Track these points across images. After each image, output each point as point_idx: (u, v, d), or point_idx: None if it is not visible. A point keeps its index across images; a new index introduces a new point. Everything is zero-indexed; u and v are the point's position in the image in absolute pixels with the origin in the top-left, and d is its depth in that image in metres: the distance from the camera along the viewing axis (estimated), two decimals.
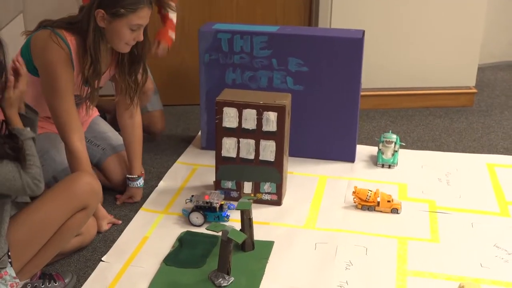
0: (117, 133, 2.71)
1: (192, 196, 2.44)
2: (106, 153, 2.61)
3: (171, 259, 2.18)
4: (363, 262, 2.19)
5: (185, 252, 2.22)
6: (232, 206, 2.45)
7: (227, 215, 2.40)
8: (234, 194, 2.56)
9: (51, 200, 1.92)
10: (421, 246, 2.29)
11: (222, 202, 2.41)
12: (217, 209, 2.37)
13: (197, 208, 2.37)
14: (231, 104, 2.45)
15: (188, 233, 2.34)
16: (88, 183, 2.01)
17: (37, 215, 1.90)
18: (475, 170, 2.90)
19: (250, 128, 2.46)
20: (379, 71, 3.61)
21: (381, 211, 2.51)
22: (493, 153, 3.09)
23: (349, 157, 2.95)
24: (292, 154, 2.82)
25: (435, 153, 3.09)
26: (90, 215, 2.09)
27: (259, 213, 2.46)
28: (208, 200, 2.36)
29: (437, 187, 2.73)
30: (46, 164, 2.38)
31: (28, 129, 1.83)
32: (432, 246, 2.30)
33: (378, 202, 2.50)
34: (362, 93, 2.96)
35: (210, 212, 2.37)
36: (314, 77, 2.84)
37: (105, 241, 2.32)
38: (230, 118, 2.46)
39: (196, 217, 2.37)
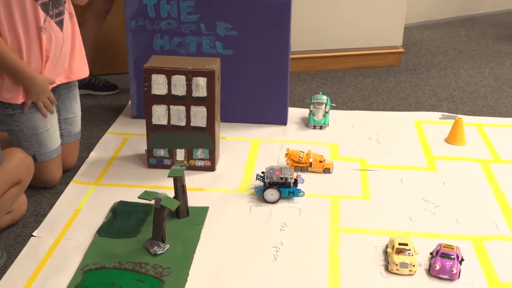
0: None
1: (262, 173, 2.38)
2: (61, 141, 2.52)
3: (104, 230, 2.15)
4: (297, 222, 2.22)
5: (119, 222, 2.19)
6: (302, 180, 2.42)
7: (301, 190, 2.34)
8: (167, 161, 2.54)
9: None
10: (353, 203, 2.34)
11: (296, 177, 2.35)
12: (291, 184, 2.32)
13: (270, 185, 2.31)
14: (159, 71, 2.41)
15: (121, 203, 2.31)
16: (21, 158, 2.04)
17: None
18: (403, 128, 2.97)
19: (180, 95, 2.44)
20: (308, 34, 3.62)
21: (313, 172, 2.54)
22: (420, 111, 3.18)
23: (281, 120, 2.97)
24: (224, 119, 2.82)
25: (365, 113, 3.14)
26: (23, 190, 2.10)
27: (193, 180, 2.46)
28: (282, 176, 2.30)
29: (367, 146, 2.79)
30: (31, 143, 2.35)
31: None
32: (363, 203, 2.35)
33: (311, 163, 2.54)
34: (292, 56, 2.98)
35: (284, 187, 2.31)
36: (243, 41, 2.82)
37: (35, 215, 2.26)
38: (159, 85, 2.42)
39: (271, 194, 2.31)
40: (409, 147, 2.78)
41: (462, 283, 1.94)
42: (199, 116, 2.46)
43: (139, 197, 2.04)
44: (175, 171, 2.19)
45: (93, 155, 2.68)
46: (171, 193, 2.20)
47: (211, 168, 2.54)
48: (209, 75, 2.39)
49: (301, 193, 2.33)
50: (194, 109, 2.45)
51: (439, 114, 3.13)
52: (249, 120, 2.96)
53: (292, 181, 2.32)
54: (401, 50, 3.82)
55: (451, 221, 2.24)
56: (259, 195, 2.35)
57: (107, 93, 3.34)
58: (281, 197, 2.32)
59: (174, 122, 2.48)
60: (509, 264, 2.02)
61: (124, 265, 1.98)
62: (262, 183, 2.40)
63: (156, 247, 2.04)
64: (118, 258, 2.01)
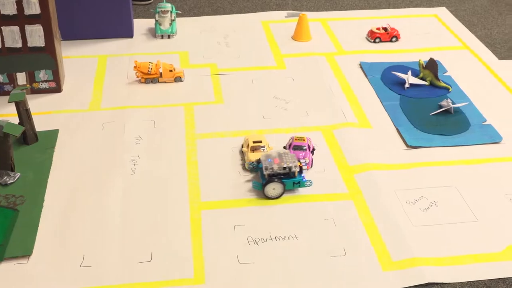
0: None
1: (257, 162, 1.97)
2: None
3: None
4: (152, 134, 2.20)
5: None
6: (304, 164, 1.98)
7: (306, 179, 1.94)
8: (8, 87, 2.38)
9: None
10: (206, 109, 2.35)
11: (300, 164, 1.93)
12: (296, 174, 1.92)
13: (271, 178, 1.90)
14: None
15: None
16: None
17: None
18: (251, 29, 2.98)
19: (11, 14, 2.26)
20: None
21: (165, 82, 2.51)
22: (266, 11, 3.19)
23: (127, 33, 2.86)
24: (66, 37, 2.68)
25: (213, 18, 3.11)
26: None
27: (39, 103, 2.34)
28: (285, 165, 1.89)
29: (217, 51, 2.78)
30: None
31: None
32: (217, 107, 2.37)
33: (161, 73, 2.49)
34: None
35: (287, 178, 1.91)
36: None
37: None
38: None
39: (273, 188, 1.90)
40: (258, 48, 2.81)
41: (315, 171, 2.03)
42: (35, 36, 2.31)
43: None
44: (15, 96, 2.06)
45: None
46: (15, 120, 2.08)
47: (57, 89, 2.43)
48: None
49: (308, 183, 1.94)
50: (28, 28, 2.29)
51: (285, 12, 3.16)
52: (93, 35, 2.83)
53: (297, 169, 1.92)
54: None
55: (302, 114, 2.32)
56: (258, 190, 1.93)
57: None
58: (285, 190, 1.93)
59: (9, 44, 2.31)
60: (355, 148, 2.14)
61: None
62: (256, 173, 2.01)
63: (5, 177, 1.94)
64: None
